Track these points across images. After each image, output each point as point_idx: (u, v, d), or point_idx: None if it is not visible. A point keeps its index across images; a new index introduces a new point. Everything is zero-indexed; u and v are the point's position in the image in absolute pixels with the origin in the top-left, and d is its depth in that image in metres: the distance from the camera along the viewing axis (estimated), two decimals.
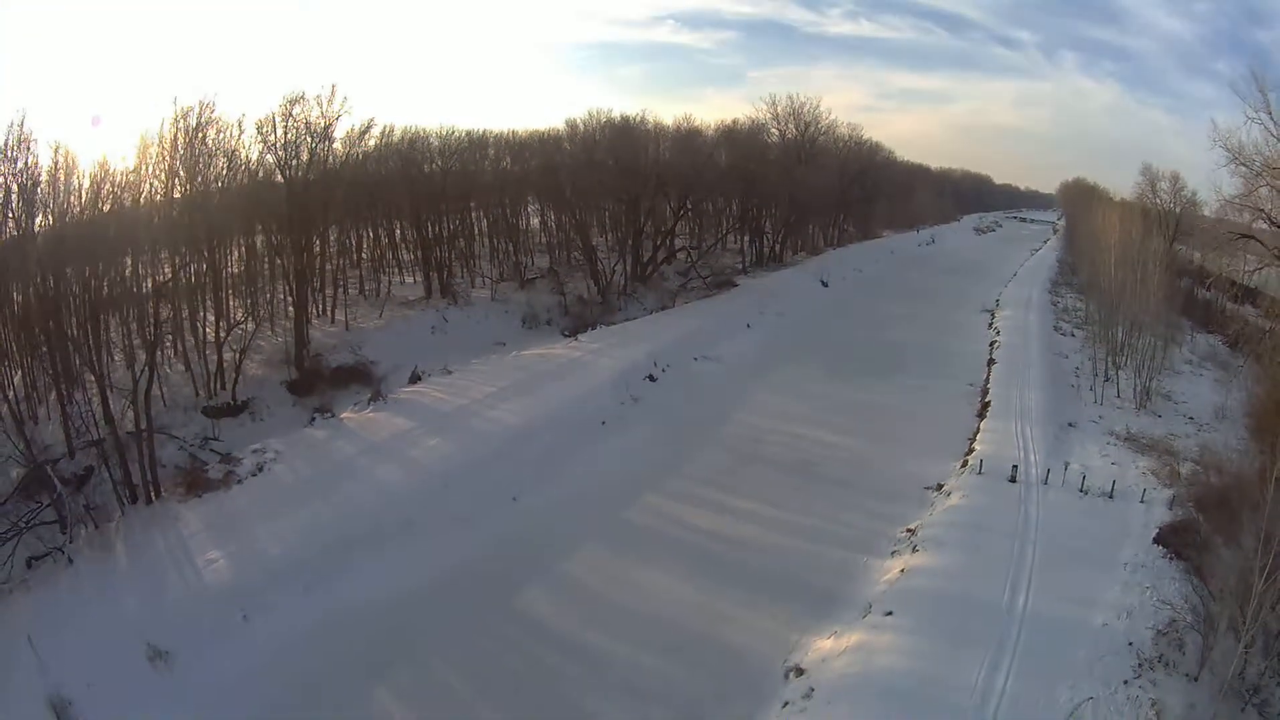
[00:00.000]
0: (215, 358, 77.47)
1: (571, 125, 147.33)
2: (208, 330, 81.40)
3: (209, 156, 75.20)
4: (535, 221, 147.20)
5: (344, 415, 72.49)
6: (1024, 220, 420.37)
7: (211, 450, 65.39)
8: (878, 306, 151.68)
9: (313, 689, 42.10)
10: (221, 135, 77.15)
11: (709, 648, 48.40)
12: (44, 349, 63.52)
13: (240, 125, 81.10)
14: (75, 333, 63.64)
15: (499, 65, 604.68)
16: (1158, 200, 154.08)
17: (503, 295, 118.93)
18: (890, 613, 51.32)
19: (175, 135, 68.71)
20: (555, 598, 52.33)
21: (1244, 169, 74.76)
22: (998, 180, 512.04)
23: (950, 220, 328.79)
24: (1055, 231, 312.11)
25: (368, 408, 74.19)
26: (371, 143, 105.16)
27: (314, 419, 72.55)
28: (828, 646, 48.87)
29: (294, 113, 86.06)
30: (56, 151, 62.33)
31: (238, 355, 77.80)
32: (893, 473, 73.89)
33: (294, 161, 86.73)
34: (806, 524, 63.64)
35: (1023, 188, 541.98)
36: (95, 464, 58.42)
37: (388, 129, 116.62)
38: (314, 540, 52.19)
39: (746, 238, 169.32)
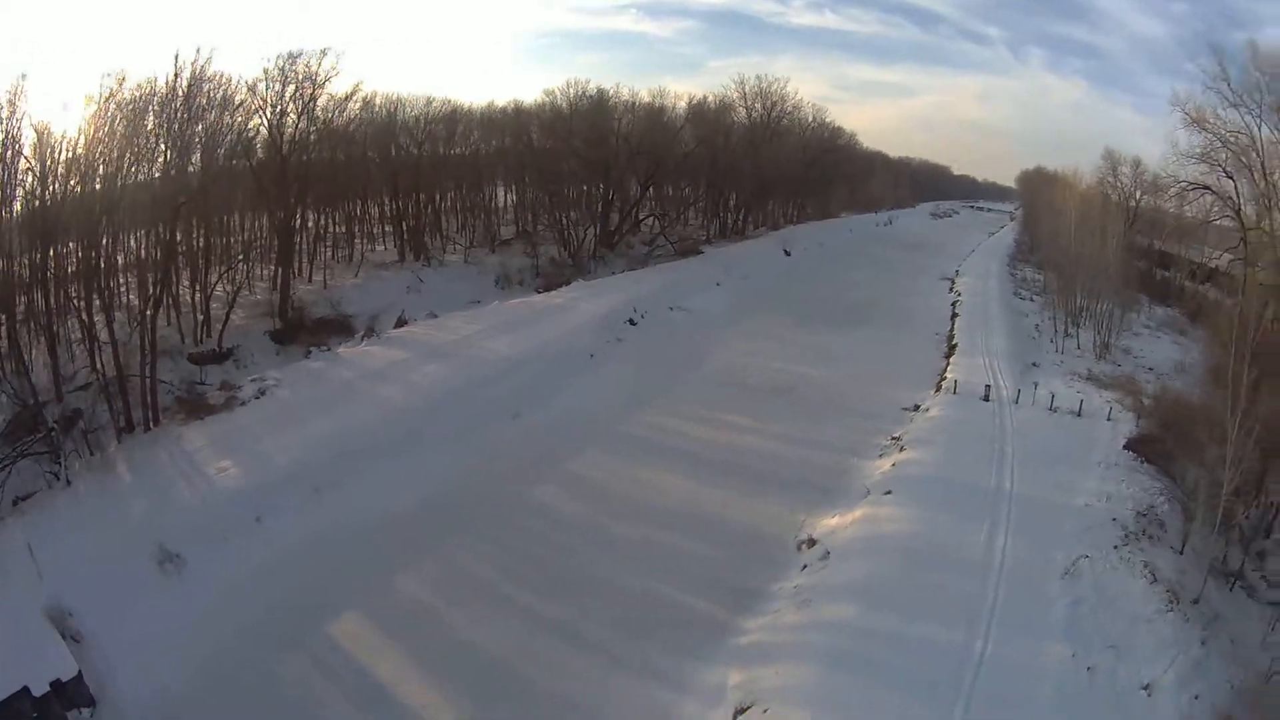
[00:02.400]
0: (199, 312, 78.98)
1: (549, 94, 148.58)
2: (196, 285, 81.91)
3: (199, 119, 73.29)
4: (504, 194, 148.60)
5: (339, 349, 74.15)
6: (981, 209, 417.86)
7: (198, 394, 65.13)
8: (840, 273, 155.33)
9: (333, 581, 43.42)
10: (216, 92, 76.80)
11: (719, 529, 52.03)
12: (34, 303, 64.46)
13: (232, 83, 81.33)
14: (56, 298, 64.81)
15: (461, 48, 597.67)
16: (1118, 183, 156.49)
17: (475, 258, 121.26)
18: (889, 492, 55.85)
19: (166, 98, 66.81)
20: (566, 493, 55.46)
21: (1203, 133, 76.40)
22: (956, 171, 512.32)
23: (906, 206, 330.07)
24: (1013, 219, 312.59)
25: (361, 343, 76.07)
26: (356, 107, 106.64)
27: (310, 352, 74.44)
28: (834, 523, 53.14)
29: (287, 71, 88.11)
30: (41, 133, 62.53)
31: (229, 302, 79.64)
32: (868, 397, 78.67)
33: (283, 121, 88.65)
34: (794, 434, 67.80)
35: (980, 179, 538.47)
36: (84, 407, 58.56)
37: (370, 96, 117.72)
38: (323, 450, 53.59)
39: (710, 210, 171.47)
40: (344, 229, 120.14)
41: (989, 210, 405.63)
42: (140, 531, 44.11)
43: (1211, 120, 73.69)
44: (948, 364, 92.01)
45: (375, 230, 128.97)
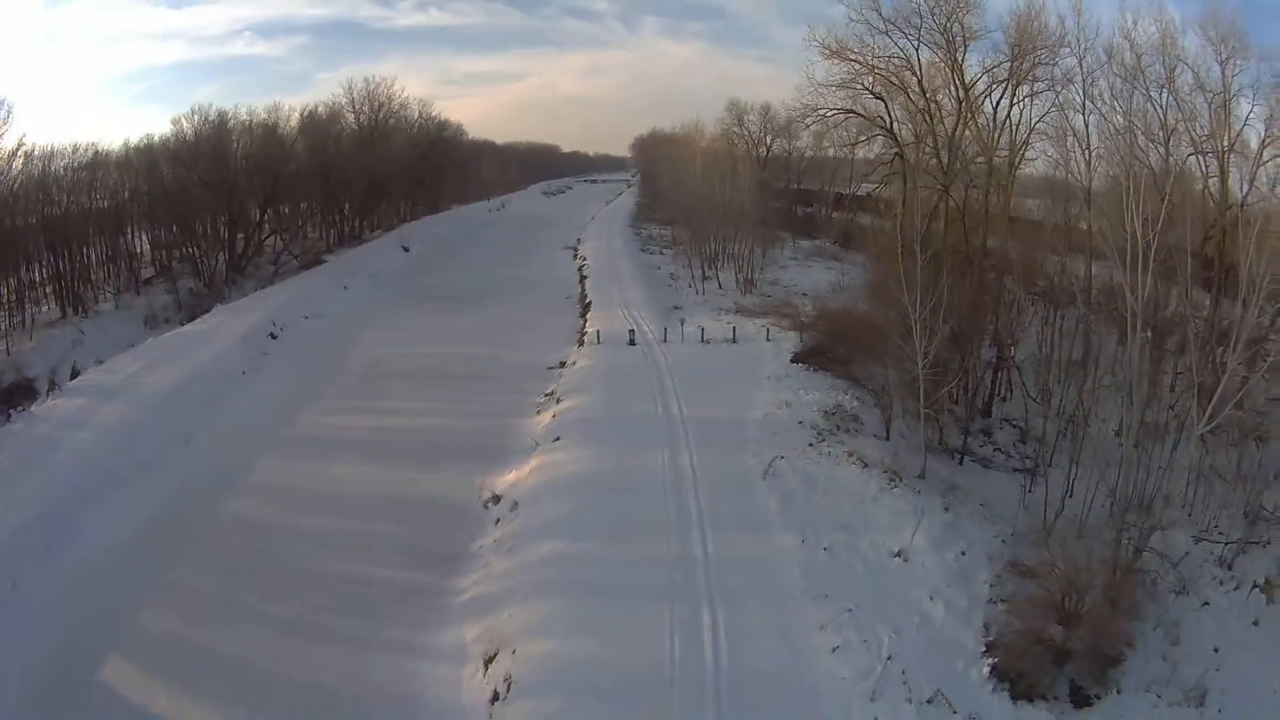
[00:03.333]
0: None
1: (176, 122, 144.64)
2: None
3: None
4: (143, 237, 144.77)
5: (32, 409, 72.40)
6: (595, 182, 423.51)
7: None
8: (460, 260, 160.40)
9: (89, 630, 42.59)
10: None
11: (405, 505, 54.64)
12: None
13: None
14: None
15: (96, 90, 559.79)
16: (745, 131, 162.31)
17: (125, 304, 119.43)
18: (558, 438, 59.47)
19: None
20: (256, 501, 56.72)
21: (846, 63, 80.00)
22: (565, 149, 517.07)
23: (518, 190, 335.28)
24: (629, 186, 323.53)
25: (48, 399, 74.96)
26: (20, 164, 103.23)
27: (9, 416, 72.47)
28: (512, 477, 56.68)
29: None
30: None
31: None
32: (512, 364, 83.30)
33: None
34: (450, 409, 72.09)
35: (593, 153, 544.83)
36: None
37: (30, 149, 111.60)
38: (41, 503, 52.69)
39: (327, 220, 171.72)
40: (15, 295, 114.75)
41: (603, 181, 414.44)
42: None
43: (856, 49, 77.62)
44: (585, 321, 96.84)
45: (40, 291, 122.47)
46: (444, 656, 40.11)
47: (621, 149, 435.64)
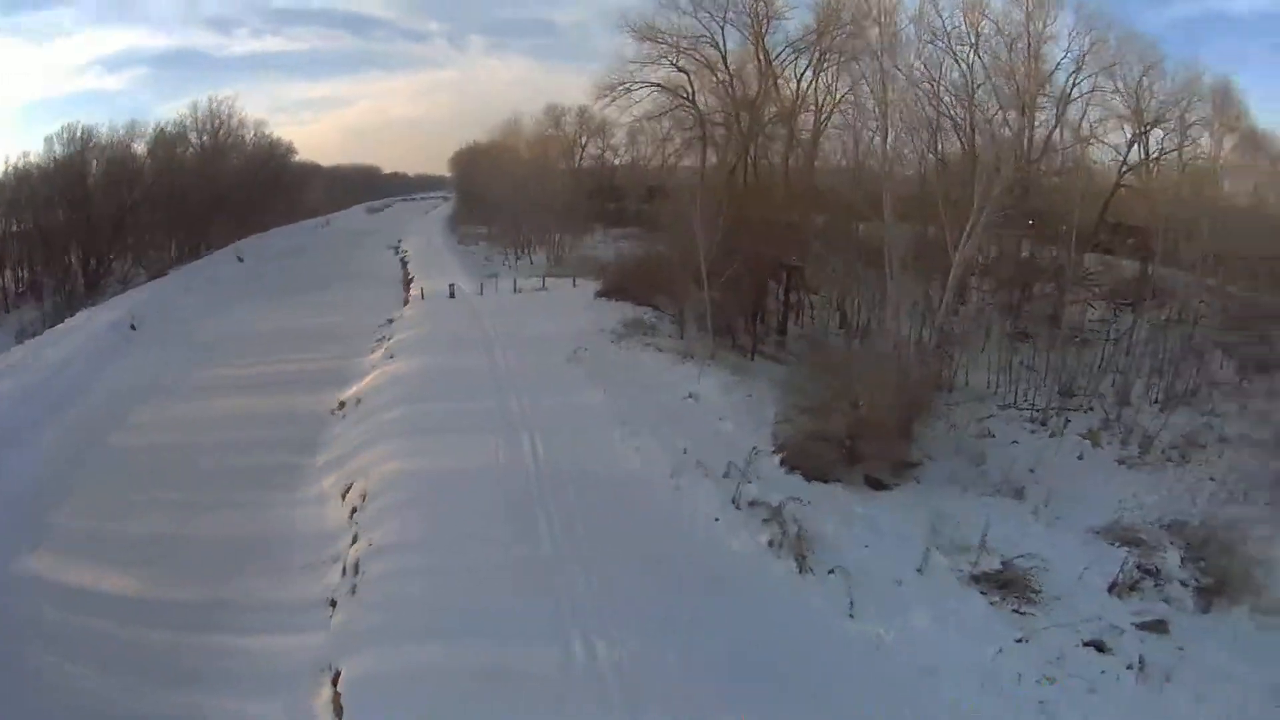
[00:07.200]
0: None
1: (49, 141, 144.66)
2: None
3: None
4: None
5: None
6: (414, 199, 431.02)
7: None
8: (294, 265, 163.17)
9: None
10: None
11: (268, 420, 61.76)
12: None
13: None
14: None
15: None
16: (561, 132, 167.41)
17: None
18: (393, 356, 68.98)
19: None
20: (138, 434, 62.54)
21: (656, 45, 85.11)
22: (386, 170, 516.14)
23: (342, 209, 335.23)
24: (446, 200, 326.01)
25: None
26: None
27: None
28: (353, 390, 64.41)
29: None
30: None
31: None
32: (347, 328, 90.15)
33: None
34: (297, 360, 78.47)
35: (412, 174, 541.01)
36: None
37: None
38: None
39: (174, 236, 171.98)
40: None
41: (422, 199, 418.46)
42: None
43: (665, 30, 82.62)
44: (409, 291, 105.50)
45: None
46: (310, 502, 47.55)
47: (442, 167, 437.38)
